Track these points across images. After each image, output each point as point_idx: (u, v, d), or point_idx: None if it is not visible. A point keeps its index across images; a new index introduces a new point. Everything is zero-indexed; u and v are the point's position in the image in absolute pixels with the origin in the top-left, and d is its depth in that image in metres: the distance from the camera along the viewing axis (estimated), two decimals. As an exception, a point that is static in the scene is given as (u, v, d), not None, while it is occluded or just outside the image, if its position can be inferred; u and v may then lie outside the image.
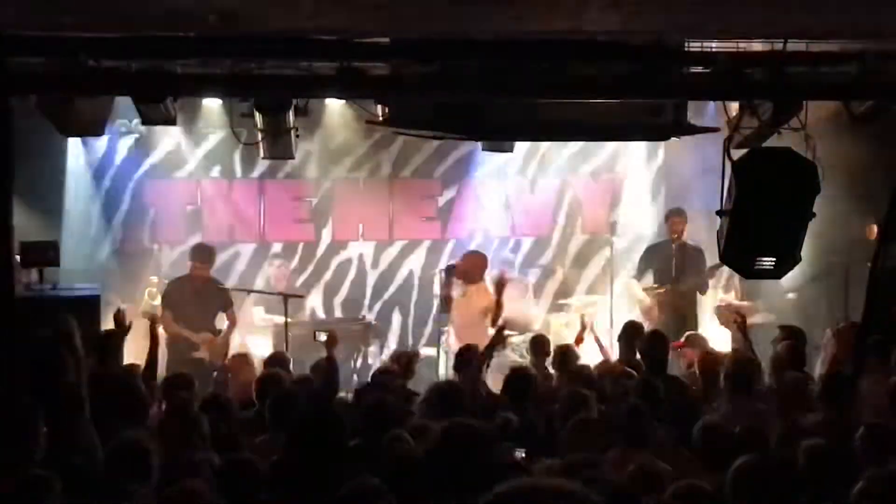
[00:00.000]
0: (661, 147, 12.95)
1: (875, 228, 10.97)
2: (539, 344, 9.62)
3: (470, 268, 11.29)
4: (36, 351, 7.77)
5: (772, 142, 8.31)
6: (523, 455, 6.62)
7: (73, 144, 11.87)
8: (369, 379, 9.07)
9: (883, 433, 6.46)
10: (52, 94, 7.93)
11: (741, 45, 7.31)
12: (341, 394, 8.68)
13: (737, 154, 7.69)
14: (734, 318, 9.21)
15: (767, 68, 7.26)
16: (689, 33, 6.97)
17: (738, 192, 7.10)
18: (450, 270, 11.26)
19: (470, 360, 8.66)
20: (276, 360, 9.05)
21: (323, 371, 8.38)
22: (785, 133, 8.14)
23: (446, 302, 11.12)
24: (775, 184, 7.07)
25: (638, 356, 8.89)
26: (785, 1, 4.52)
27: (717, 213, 7.53)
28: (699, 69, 7.62)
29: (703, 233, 12.45)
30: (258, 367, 9.32)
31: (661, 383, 7.80)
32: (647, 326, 11.54)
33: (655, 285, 12.08)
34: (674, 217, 12.14)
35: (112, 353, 8.35)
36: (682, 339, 10.07)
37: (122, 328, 8.38)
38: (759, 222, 7.16)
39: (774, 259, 7.25)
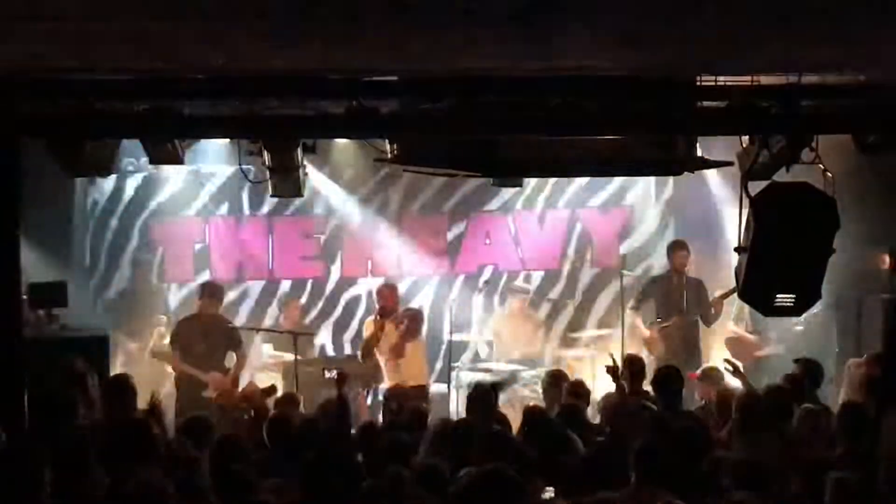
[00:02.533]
0: (670, 179, 12.88)
1: (887, 259, 10.89)
2: (556, 379, 9.47)
3: (389, 299, 11.42)
4: (45, 392, 7.69)
5: (781, 173, 8.21)
6: (552, 495, 6.52)
7: (81, 184, 11.79)
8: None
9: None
10: (61, 138, 7.86)
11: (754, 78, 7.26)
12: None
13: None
14: (727, 368, 9.09)
15: (781, 102, 7.18)
16: (705, 69, 6.89)
17: (757, 228, 6.98)
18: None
19: (483, 397, 8.51)
20: (286, 401, 8.95)
21: (334, 411, 8.27)
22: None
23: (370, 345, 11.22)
24: (794, 219, 6.96)
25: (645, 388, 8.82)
26: (801, 35, 4.43)
27: (736, 249, 7.41)
28: (712, 103, 7.55)
29: (711, 265, 12.42)
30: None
31: (677, 419, 7.71)
32: (649, 359, 11.53)
33: (659, 319, 12.00)
34: (680, 250, 12.06)
35: (124, 396, 8.25)
36: (699, 372, 9.98)
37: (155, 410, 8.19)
38: (779, 258, 7.04)
39: (794, 296, 7.13)
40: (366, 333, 11.47)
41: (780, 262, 7.07)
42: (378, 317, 11.31)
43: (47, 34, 4.17)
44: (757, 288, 7.29)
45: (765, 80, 7.32)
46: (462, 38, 4.24)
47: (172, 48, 4.57)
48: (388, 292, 11.55)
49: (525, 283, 13.13)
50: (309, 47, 4.43)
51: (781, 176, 7.72)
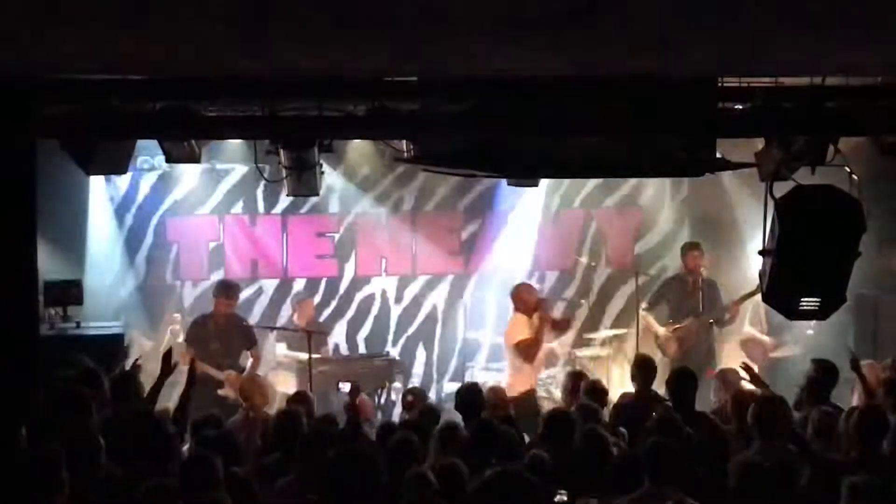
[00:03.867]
0: (685, 179, 12.79)
1: (905, 259, 10.81)
2: (576, 380, 9.38)
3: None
4: (60, 392, 7.66)
5: (803, 174, 8.13)
6: (565, 498, 6.48)
7: (96, 182, 11.72)
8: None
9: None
10: (78, 138, 7.81)
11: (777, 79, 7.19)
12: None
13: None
14: (744, 368, 9.01)
15: (805, 104, 7.10)
16: (732, 71, 6.81)
17: (782, 231, 6.89)
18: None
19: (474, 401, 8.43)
20: (298, 399, 8.88)
21: (347, 417, 8.22)
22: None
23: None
24: (820, 222, 6.88)
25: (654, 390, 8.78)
26: (831, 37, 4.36)
27: (760, 252, 7.31)
28: (735, 105, 7.49)
29: (726, 265, 12.33)
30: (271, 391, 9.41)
31: (689, 421, 7.66)
32: (663, 360, 11.46)
33: (672, 321, 11.92)
34: (693, 251, 11.97)
35: (140, 394, 8.23)
36: (716, 371, 9.92)
37: (168, 367, 8.21)
38: (804, 262, 6.96)
39: (819, 299, 7.05)
40: (522, 335, 10.86)
41: (805, 266, 6.97)
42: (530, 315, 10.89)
43: (77, 37, 4.11)
44: (781, 291, 7.19)
45: (788, 81, 7.25)
46: (494, 44, 4.18)
47: (202, 52, 4.51)
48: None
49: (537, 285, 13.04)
50: (338, 51, 4.37)
51: (806, 177, 7.62)
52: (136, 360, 8.39)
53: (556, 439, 7.40)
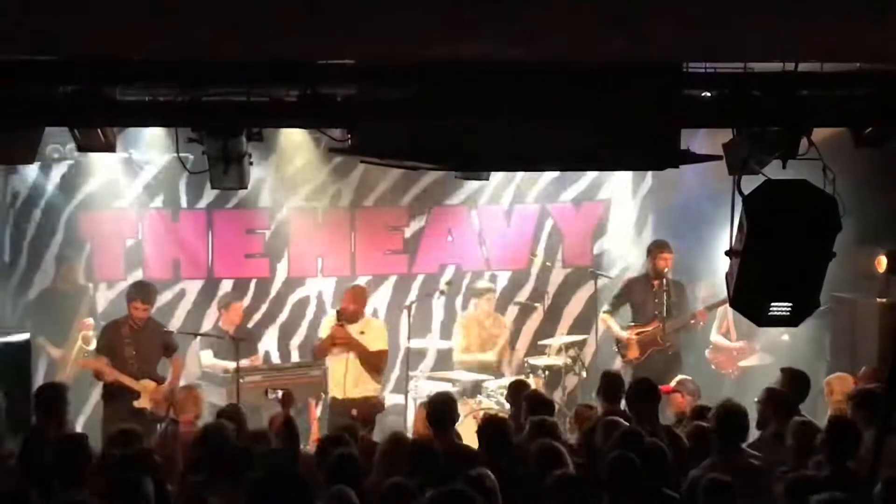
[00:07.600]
0: (648, 171, 12.87)
1: (884, 260, 10.91)
2: (520, 389, 9.43)
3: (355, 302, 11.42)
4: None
5: (774, 167, 8.20)
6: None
7: (0, 173, 11.64)
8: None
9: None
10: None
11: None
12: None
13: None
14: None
15: (776, 92, 7.15)
16: (700, 57, 6.83)
17: (750, 230, 6.92)
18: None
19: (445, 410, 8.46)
20: (229, 413, 8.84)
21: (281, 429, 8.20)
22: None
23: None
24: (791, 220, 6.91)
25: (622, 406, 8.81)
26: (808, 19, 4.38)
27: (727, 252, 7.35)
28: (701, 92, 7.53)
29: (693, 264, 12.41)
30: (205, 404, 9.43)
31: (652, 435, 7.71)
32: (625, 367, 11.54)
33: (636, 323, 11.97)
34: (662, 251, 11.97)
35: (53, 410, 8.17)
36: (672, 384, 9.99)
37: None
38: (774, 263, 6.99)
39: (791, 304, 7.08)
40: (323, 332, 11.47)
41: (775, 268, 7.01)
42: (338, 319, 11.23)
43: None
44: (749, 295, 7.21)
45: (758, 67, 7.31)
46: (435, 22, 4.16)
47: (114, 31, 4.45)
48: (355, 295, 11.53)
49: (490, 283, 13.05)
50: (265, 33, 4.34)
51: (777, 171, 7.68)
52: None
53: (491, 449, 7.47)
